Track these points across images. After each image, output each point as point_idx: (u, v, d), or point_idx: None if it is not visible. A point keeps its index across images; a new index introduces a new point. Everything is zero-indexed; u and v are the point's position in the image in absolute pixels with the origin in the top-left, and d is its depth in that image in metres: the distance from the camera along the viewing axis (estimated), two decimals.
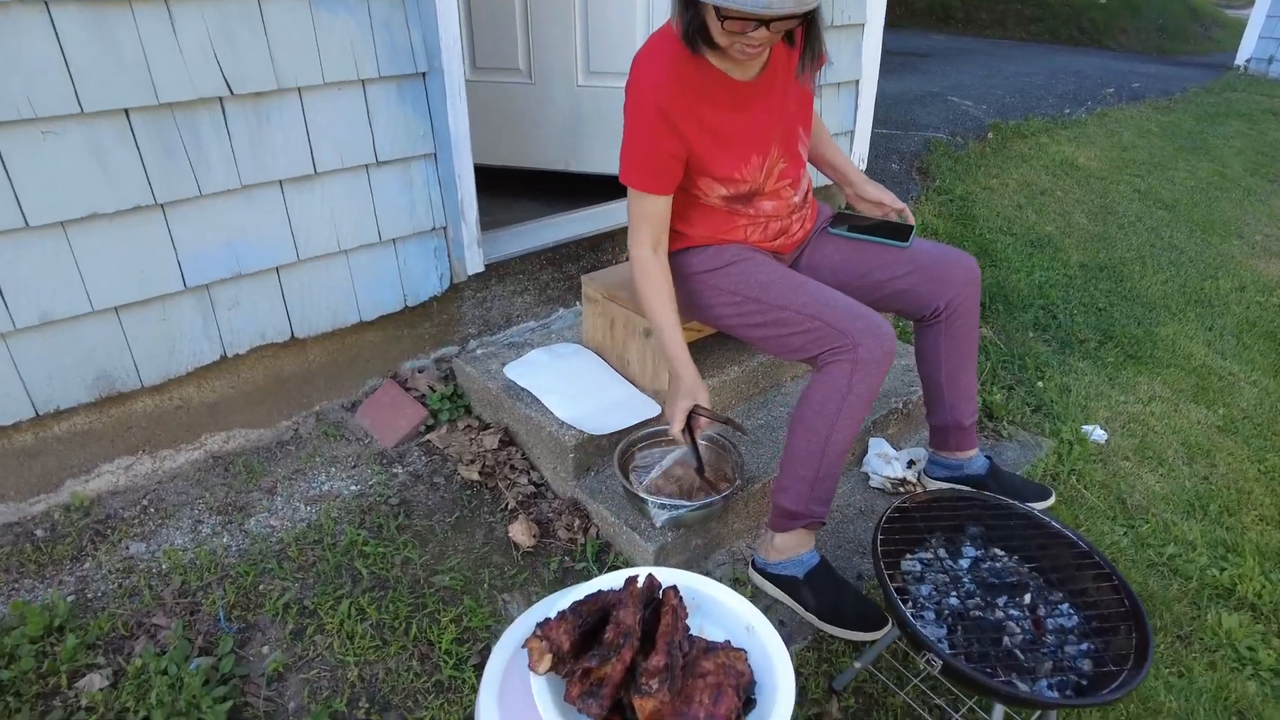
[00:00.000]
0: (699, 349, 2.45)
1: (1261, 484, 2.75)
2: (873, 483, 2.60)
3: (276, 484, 2.27)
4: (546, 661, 1.17)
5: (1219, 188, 5.50)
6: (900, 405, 2.71)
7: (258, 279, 2.25)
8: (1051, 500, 2.43)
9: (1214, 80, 8.90)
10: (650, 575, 1.33)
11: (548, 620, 1.22)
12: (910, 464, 2.62)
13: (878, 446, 2.65)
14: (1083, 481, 2.64)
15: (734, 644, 1.31)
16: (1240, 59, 9.71)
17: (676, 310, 2.03)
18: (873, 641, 1.97)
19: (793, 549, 2.07)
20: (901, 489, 2.53)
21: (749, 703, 1.21)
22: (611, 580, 1.39)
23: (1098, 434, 2.86)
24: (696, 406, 1.98)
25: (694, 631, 1.35)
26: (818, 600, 2.04)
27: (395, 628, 1.91)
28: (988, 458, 2.46)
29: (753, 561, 2.18)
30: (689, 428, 2.03)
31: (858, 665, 1.87)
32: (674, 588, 1.28)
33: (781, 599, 2.11)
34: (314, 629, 1.88)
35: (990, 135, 5.52)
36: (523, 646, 1.21)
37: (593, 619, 1.25)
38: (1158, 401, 3.12)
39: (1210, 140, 6.48)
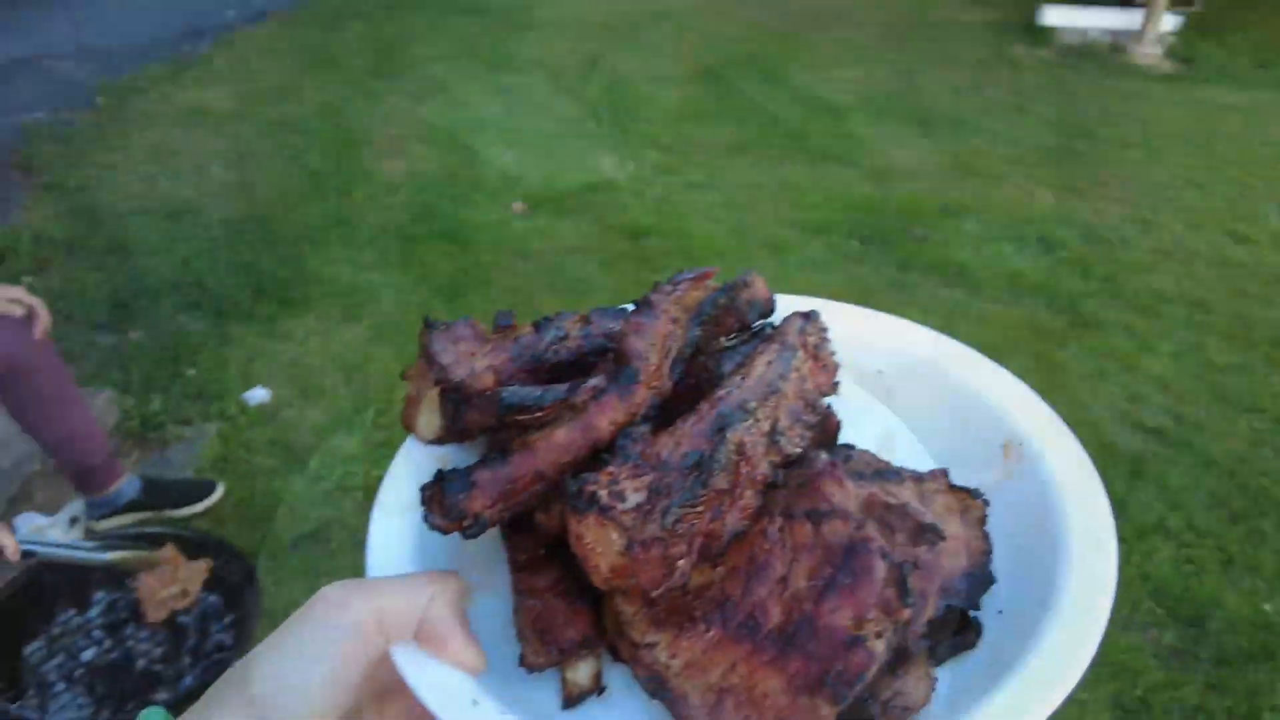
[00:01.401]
0: None
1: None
2: (44, 555, 2.49)
3: None
4: (432, 417, 0.57)
5: (345, 98, 6.18)
6: (37, 470, 2.61)
7: None
8: (218, 492, 2.64)
9: None
10: (752, 278, 0.62)
11: (457, 325, 0.60)
12: (73, 521, 2.57)
13: (28, 522, 2.53)
14: (252, 448, 2.91)
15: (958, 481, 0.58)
16: None
17: None
18: None
19: None
20: None
21: (954, 619, 0.50)
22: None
23: (259, 395, 3.15)
24: None
25: (855, 441, 0.61)
26: None
27: None
28: (140, 478, 2.55)
29: None
30: None
31: None
32: (810, 315, 0.59)
33: None
34: None
35: (101, 101, 5.27)
36: (403, 377, 0.61)
37: (570, 352, 0.59)
38: (314, 337, 3.54)
39: (334, 48, 7.17)
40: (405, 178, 5.03)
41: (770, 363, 0.53)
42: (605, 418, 0.50)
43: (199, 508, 2.58)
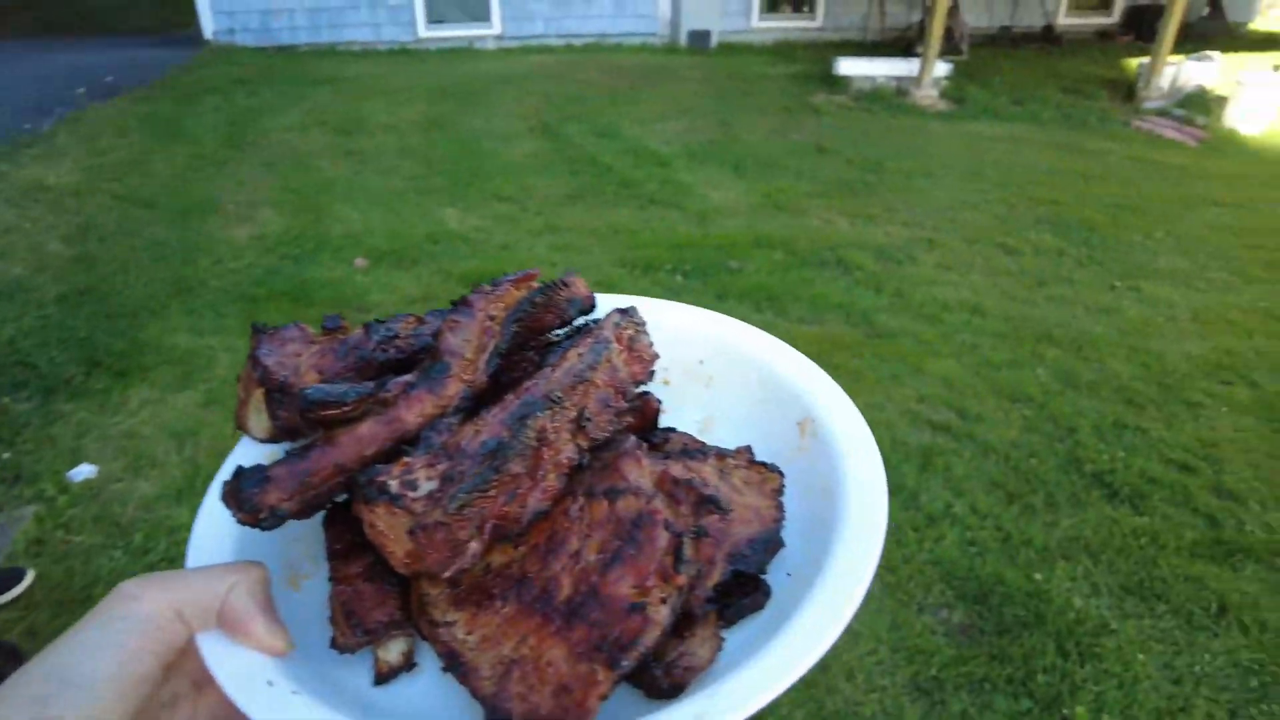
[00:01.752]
0: None
1: None
2: None
3: None
4: (260, 418, 0.54)
5: (196, 169, 5.80)
6: None
7: None
8: (27, 580, 2.34)
9: (193, 58, 9.17)
10: (572, 278, 0.61)
11: (285, 329, 0.57)
12: None
13: None
14: (73, 528, 2.61)
15: (757, 456, 0.59)
16: (208, 33, 10.16)
17: None
18: None
19: None
20: None
21: (743, 582, 0.50)
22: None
23: (84, 471, 2.84)
24: None
25: (677, 425, 0.63)
26: None
27: None
28: None
29: None
30: None
31: None
32: (629, 310, 0.60)
33: None
34: None
35: None
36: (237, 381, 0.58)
37: (399, 351, 0.56)
38: (147, 407, 3.24)
39: (186, 122, 6.74)
40: (251, 242, 4.73)
41: (581, 354, 0.52)
42: (413, 411, 0.48)
43: (4, 598, 2.27)
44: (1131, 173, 6.62)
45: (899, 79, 8.46)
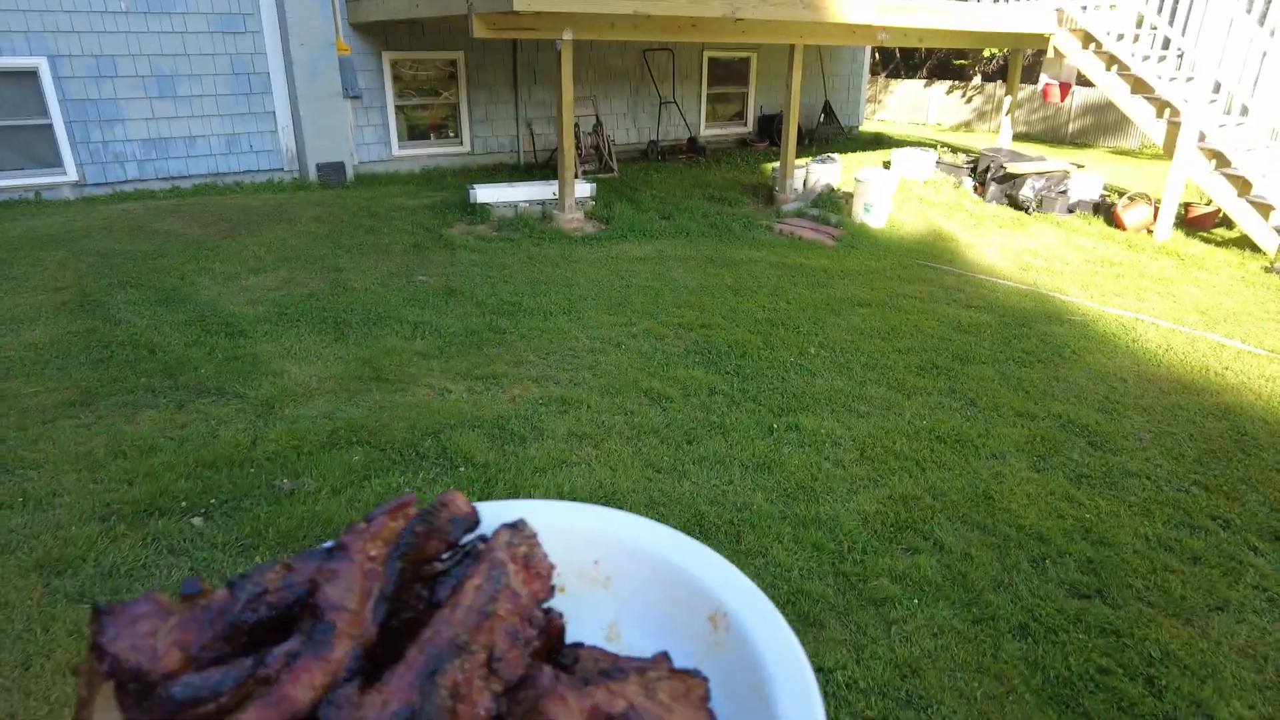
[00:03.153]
0: None
1: None
2: None
3: None
4: (111, 712, 0.41)
5: None
6: None
7: None
8: None
9: None
10: (450, 497, 0.52)
11: (133, 604, 0.44)
12: None
13: None
14: None
15: (675, 663, 0.49)
16: None
17: None
18: None
19: None
20: None
21: None
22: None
23: None
24: None
25: (582, 634, 0.53)
26: None
27: None
28: None
29: None
30: None
31: None
32: (517, 525, 0.51)
33: None
34: None
35: None
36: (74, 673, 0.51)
37: (272, 608, 0.45)
38: None
39: None
40: None
41: (479, 586, 0.46)
42: (301, 685, 0.39)
43: None
44: (779, 281, 6.29)
45: (543, 203, 7.77)
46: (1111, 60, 8.87)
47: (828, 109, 13.59)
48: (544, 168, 10.64)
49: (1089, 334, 5.47)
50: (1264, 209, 7.72)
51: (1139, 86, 8.65)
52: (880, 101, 23.35)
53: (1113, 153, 16.64)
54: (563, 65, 6.97)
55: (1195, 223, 8.78)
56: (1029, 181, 9.04)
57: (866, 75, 14.75)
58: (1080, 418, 4.16)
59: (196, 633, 0.42)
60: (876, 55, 26.97)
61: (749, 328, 5.22)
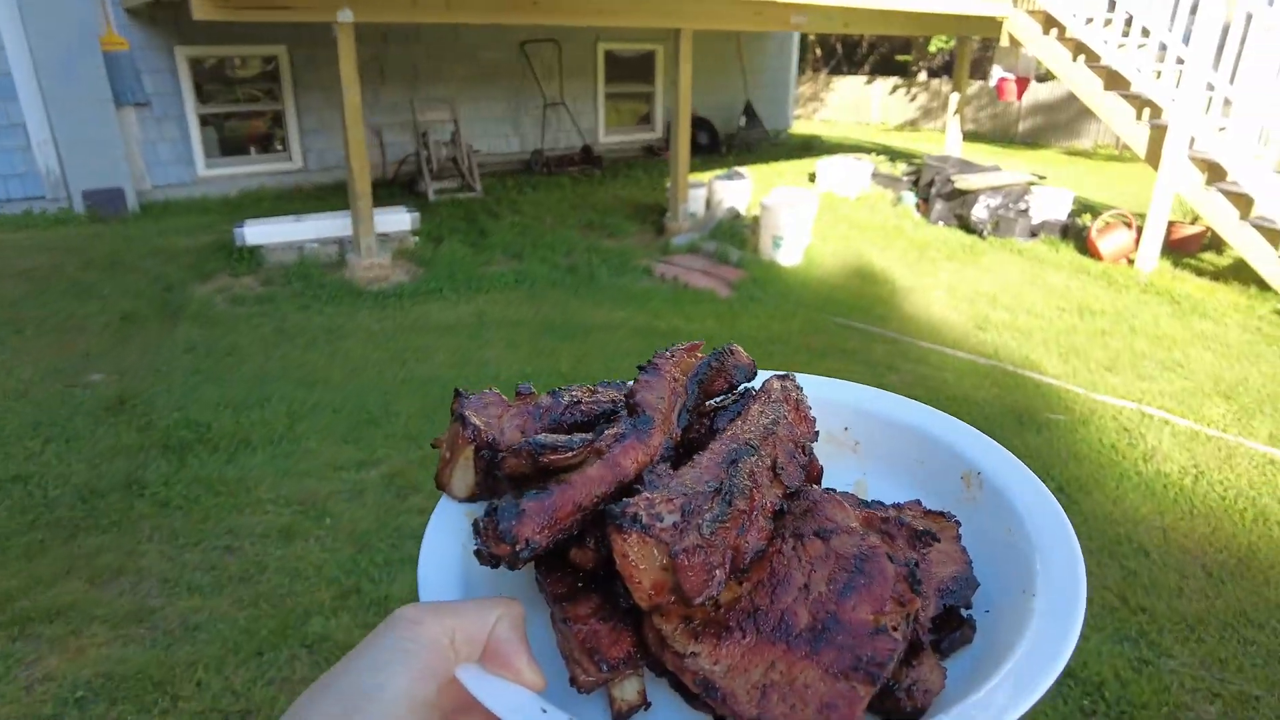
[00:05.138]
0: None
1: None
2: None
3: None
4: (466, 475, 0.55)
5: None
6: None
7: None
8: None
9: None
10: (735, 347, 0.64)
11: (484, 394, 0.60)
12: None
13: None
14: None
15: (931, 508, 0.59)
16: None
17: None
18: None
19: None
20: None
21: (951, 615, 0.51)
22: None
23: None
24: None
25: (848, 488, 0.62)
26: None
27: None
28: None
29: None
30: None
31: None
32: (787, 376, 0.62)
33: None
34: None
35: None
36: (434, 445, 0.58)
37: (583, 414, 0.59)
38: None
39: None
40: None
41: (763, 411, 0.54)
42: (629, 458, 0.49)
43: None
44: (641, 359, 4.39)
45: (342, 241, 5.78)
46: (1079, 49, 7.16)
47: (749, 110, 11.76)
48: (400, 187, 8.62)
49: (1079, 450, 3.66)
50: (1273, 235, 6.06)
51: (1114, 81, 6.94)
52: (822, 100, 21.75)
53: (1067, 154, 15.14)
54: (343, 56, 4.98)
55: (1180, 245, 7.12)
56: (982, 199, 7.29)
57: (795, 71, 12.98)
58: (1087, 664, 2.33)
59: (530, 422, 0.55)
60: (817, 51, 25.35)
61: None
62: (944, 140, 9.91)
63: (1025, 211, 7.29)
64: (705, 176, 7.74)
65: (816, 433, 0.57)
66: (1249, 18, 5.92)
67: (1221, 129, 6.27)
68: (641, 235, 7.03)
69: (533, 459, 0.50)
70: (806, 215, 6.42)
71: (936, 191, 7.67)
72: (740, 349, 0.62)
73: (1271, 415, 4.05)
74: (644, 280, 5.83)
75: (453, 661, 0.41)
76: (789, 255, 6.25)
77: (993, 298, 5.79)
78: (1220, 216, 6.28)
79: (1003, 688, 0.41)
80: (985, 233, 7.23)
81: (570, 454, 0.49)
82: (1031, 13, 7.47)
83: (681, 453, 0.52)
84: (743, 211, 7.10)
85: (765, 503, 0.47)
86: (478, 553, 0.46)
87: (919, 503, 0.58)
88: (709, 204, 7.45)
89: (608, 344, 4.62)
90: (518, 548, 0.45)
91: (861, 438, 0.65)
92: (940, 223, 7.59)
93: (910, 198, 8.13)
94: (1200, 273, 6.60)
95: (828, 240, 6.92)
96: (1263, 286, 6.09)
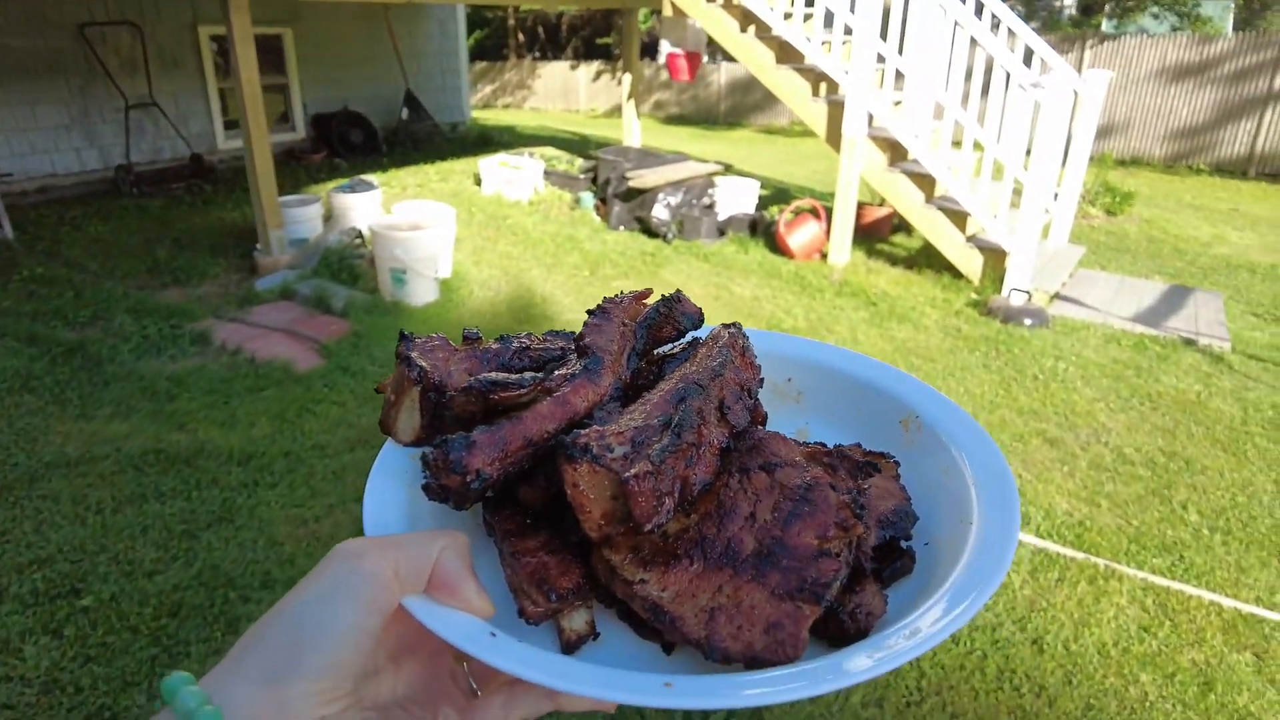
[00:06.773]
0: None
1: None
2: None
3: None
4: (411, 418, 0.54)
5: None
6: None
7: None
8: None
9: None
10: (682, 295, 0.65)
11: (429, 338, 0.58)
12: None
13: None
14: None
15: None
16: None
17: None
18: None
19: None
20: None
21: (891, 547, 0.53)
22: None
23: None
24: None
25: (792, 435, 0.62)
26: None
27: None
28: None
29: None
30: None
31: None
32: (734, 325, 0.62)
33: None
34: None
35: None
36: (377, 390, 0.58)
37: (531, 360, 0.59)
38: None
39: None
40: None
41: (710, 355, 0.55)
42: (579, 396, 0.50)
43: None
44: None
45: None
46: (747, 18, 6.26)
47: (411, 100, 10.00)
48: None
49: None
50: (958, 217, 5.52)
51: (786, 54, 6.11)
52: (530, 87, 20.42)
53: (763, 132, 15.03)
54: None
55: (871, 230, 6.54)
56: (662, 197, 6.21)
57: (465, 55, 11.40)
58: None
59: (478, 365, 0.54)
60: (519, 35, 24.00)
61: None
62: (627, 129, 8.85)
63: (710, 208, 6.32)
64: (322, 188, 5.96)
65: (762, 379, 0.58)
66: None
67: (898, 103, 5.62)
68: (226, 278, 5.12)
69: (483, 397, 0.50)
70: (442, 237, 4.90)
71: (613, 191, 6.49)
72: (687, 297, 0.62)
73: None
74: (192, 356, 3.98)
75: (397, 594, 0.41)
76: (420, 292, 4.70)
77: None
78: (905, 200, 5.65)
79: (940, 604, 0.43)
80: (669, 236, 6.17)
81: (521, 391, 0.51)
82: None
83: (631, 396, 0.53)
84: (369, 231, 5.43)
85: (712, 439, 0.48)
86: (426, 487, 0.46)
87: (859, 445, 0.59)
88: (332, 218, 5.70)
89: (55, 510, 2.78)
90: (468, 478, 0.45)
91: (805, 388, 0.66)
92: (621, 227, 6.43)
93: (589, 199, 6.90)
94: (894, 260, 5.99)
95: (482, 263, 5.47)
96: (955, 274, 5.55)
